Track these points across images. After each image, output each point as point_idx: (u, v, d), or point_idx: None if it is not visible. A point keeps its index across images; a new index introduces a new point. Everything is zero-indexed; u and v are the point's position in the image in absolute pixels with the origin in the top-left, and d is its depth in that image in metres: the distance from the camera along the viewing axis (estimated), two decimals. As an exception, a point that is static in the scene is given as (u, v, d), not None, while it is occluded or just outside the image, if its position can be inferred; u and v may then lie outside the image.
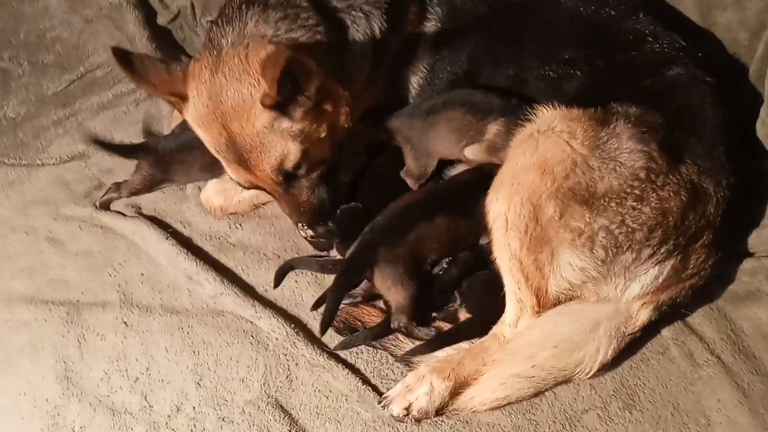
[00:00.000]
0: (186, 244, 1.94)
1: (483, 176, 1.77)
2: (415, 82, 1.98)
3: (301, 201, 1.77)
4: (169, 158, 2.02)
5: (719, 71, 1.81)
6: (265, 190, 1.79)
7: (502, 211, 1.61)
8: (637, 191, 1.55)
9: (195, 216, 2.02)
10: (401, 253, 1.72)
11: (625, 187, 1.55)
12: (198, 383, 1.68)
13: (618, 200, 1.55)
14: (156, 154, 2.02)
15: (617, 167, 1.56)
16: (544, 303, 1.62)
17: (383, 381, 1.67)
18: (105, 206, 2.06)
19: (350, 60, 1.85)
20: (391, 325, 1.68)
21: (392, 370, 1.68)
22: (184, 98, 1.73)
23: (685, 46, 1.83)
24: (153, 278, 1.90)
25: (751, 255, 1.86)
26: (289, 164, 1.70)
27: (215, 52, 1.69)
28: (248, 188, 1.83)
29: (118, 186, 2.05)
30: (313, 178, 1.77)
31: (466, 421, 1.58)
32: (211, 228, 1.99)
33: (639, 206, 1.55)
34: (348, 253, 1.76)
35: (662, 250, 1.58)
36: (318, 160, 1.76)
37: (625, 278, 1.60)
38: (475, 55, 1.90)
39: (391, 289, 1.71)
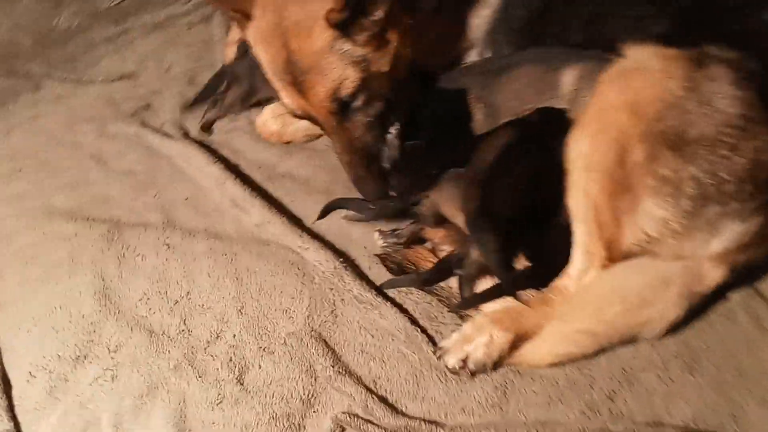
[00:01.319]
0: (233, 170, 1.86)
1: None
2: (483, 21, 1.85)
3: (354, 137, 1.67)
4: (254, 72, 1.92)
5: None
6: (316, 121, 1.69)
7: (585, 151, 1.48)
8: (731, 139, 1.41)
9: (244, 144, 1.94)
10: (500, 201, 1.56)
11: (720, 134, 1.41)
12: (239, 311, 1.61)
13: (710, 148, 1.41)
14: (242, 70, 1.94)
15: (712, 112, 1.42)
16: (614, 256, 1.50)
17: (432, 323, 1.57)
18: (207, 127, 1.99)
19: None
20: (455, 270, 1.57)
21: (442, 313, 1.58)
22: (248, 16, 1.64)
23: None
24: (197, 202, 1.83)
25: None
26: (345, 91, 1.60)
27: None
28: (300, 117, 1.72)
29: (214, 103, 1.97)
30: (368, 114, 1.66)
31: (519, 372, 1.48)
32: (260, 157, 1.91)
33: (732, 156, 1.42)
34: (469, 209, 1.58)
35: (751, 206, 1.45)
36: (376, 94, 1.65)
37: (707, 233, 1.47)
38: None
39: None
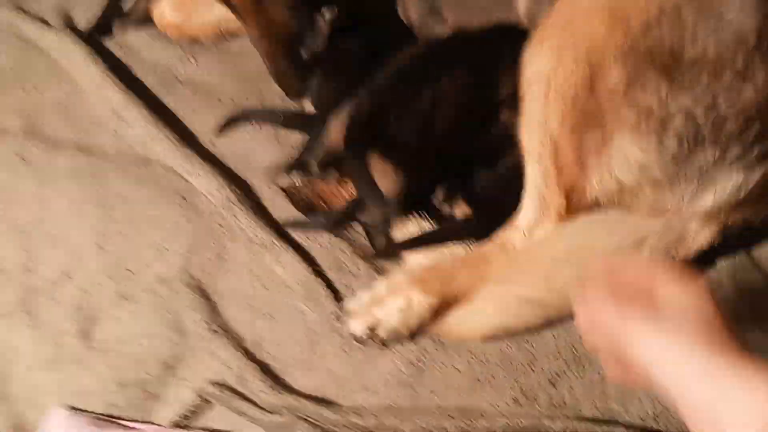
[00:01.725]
0: (121, 72, 1.49)
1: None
2: None
3: (274, 19, 1.32)
4: None
5: None
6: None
7: (545, 70, 1.12)
8: (741, 63, 1.07)
9: (140, 41, 1.55)
10: (408, 125, 1.25)
11: (726, 54, 1.07)
12: (100, 246, 1.27)
13: (712, 73, 1.06)
14: None
15: (719, 26, 1.07)
16: (575, 207, 1.16)
17: (342, 276, 1.24)
18: (102, 28, 1.59)
19: None
20: (363, 218, 1.24)
21: (357, 266, 1.25)
22: None
23: None
24: (70, 108, 1.46)
25: None
26: None
27: None
28: None
29: None
30: None
31: (441, 344, 1.16)
32: (157, 57, 1.53)
33: (740, 85, 1.07)
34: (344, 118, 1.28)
35: (756, 152, 1.11)
36: None
37: (696, 184, 1.13)
38: None
39: (386, 170, 1.24)
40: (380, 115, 1.24)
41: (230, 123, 1.40)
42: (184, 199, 1.32)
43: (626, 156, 1.10)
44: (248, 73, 1.49)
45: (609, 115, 1.09)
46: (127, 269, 1.24)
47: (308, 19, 1.37)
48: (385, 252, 1.23)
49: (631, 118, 1.08)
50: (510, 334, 1.16)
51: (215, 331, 1.17)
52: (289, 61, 1.36)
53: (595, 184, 1.14)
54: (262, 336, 1.18)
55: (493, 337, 1.16)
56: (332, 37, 1.38)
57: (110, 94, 1.44)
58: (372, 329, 1.14)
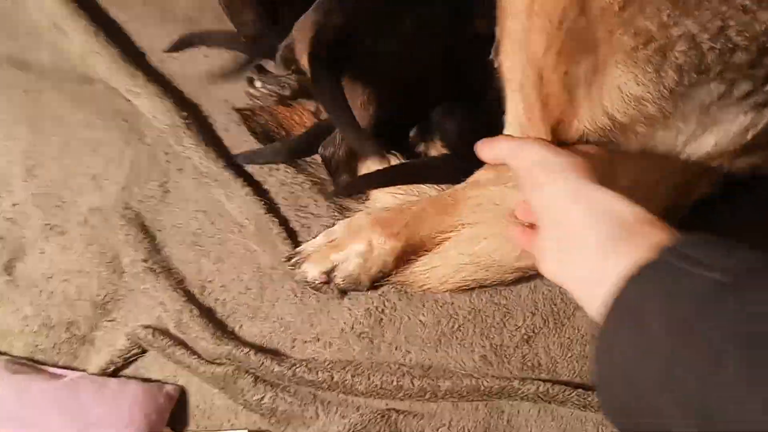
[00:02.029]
0: (62, -21, 1.33)
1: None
2: None
3: None
4: None
5: None
6: None
7: None
8: None
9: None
10: (385, 48, 1.09)
11: None
12: (29, 171, 1.13)
13: None
14: None
15: None
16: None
17: (299, 214, 1.11)
18: None
19: None
20: (325, 149, 1.10)
21: (317, 204, 1.12)
22: None
23: None
24: (5, 17, 1.30)
25: None
26: None
27: None
28: None
29: None
30: None
31: (405, 294, 1.04)
32: (105, -35, 1.37)
33: (756, 9, 0.93)
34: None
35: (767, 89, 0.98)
36: None
37: (696, 124, 1.00)
38: None
39: (354, 96, 1.09)
40: (353, 32, 1.09)
41: (183, 44, 1.24)
42: (126, 122, 1.18)
43: (620, 87, 0.95)
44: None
45: (602, 39, 0.93)
46: (59, 198, 1.11)
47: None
48: (347, 188, 1.10)
49: (627, 43, 0.93)
50: (483, 286, 1.04)
51: (153, 270, 1.05)
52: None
53: (584, 119, 0.99)
54: (207, 277, 1.06)
55: (464, 289, 1.04)
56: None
57: (50, 4, 1.28)
58: (327, 274, 1.02)
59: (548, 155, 0.84)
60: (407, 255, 1.03)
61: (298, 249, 1.05)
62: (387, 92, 1.09)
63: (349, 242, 1.02)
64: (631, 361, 0.56)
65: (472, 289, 1.04)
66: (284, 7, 1.19)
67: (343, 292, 1.04)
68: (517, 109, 1.01)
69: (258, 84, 1.19)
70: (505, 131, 1.03)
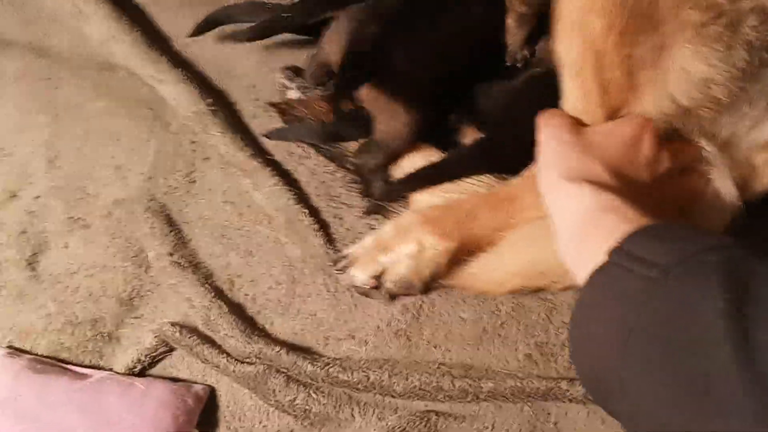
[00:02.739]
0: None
1: None
2: None
3: None
4: None
5: None
6: None
7: None
8: None
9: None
10: (420, 58, 1.02)
11: None
12: (51, 162, 1.09)
13: None
14: None
15: None
16: None
17: (331, 204, 1.05)
18: None
19: None
20: (358, 160, 1.04)
21: (347, 192, 1.07)
22: None
23: None
24: (25, 6, 1.26)
25: None
26: None
27: None
28: None
29: None
30: None
31: (443, 290, 0.98)
32: (126, -54, 1.32)
33: None
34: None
35: None
36: None
37: (764, 107, 0.92)
38: None
39: (385, 106, 1.02)
40: (389, 42, 1.02)
41: (208, 24, 1.19)
42: (151, 110, 1.14)
43: (687, 69, 0.87)
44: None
45: (667, 15, 0.85)
46: (82, 190, 1.07)
47: None
48: (386, 194, 1.03)
49: (696, 19, 0.85)
50: (542, 289, 0.98)
51: (180, 264, 1.00)
52: None
53: (647, 105, 0.90)
54: (235, 272, 1.01)
55: (527, 291, 0.97)
56: None
57: (69, -12, 1.24)
58: (377, 278, 0.96)
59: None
60: (461, 256, 0.97)
61: (344, 252, 0.99)
62: (428, 99, 1.03)
63: (399, 244, 0.96)
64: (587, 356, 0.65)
65: (537, 291, 0.98)
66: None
67: (394, 297, 0.98)
68: (573, 94, 0.93)
69: (285, 83, 1.13)
70: None
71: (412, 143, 1.04)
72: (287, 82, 1.13)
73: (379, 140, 1.01)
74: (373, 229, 1.02)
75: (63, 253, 1.02)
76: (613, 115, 0.91)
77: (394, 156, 1.03)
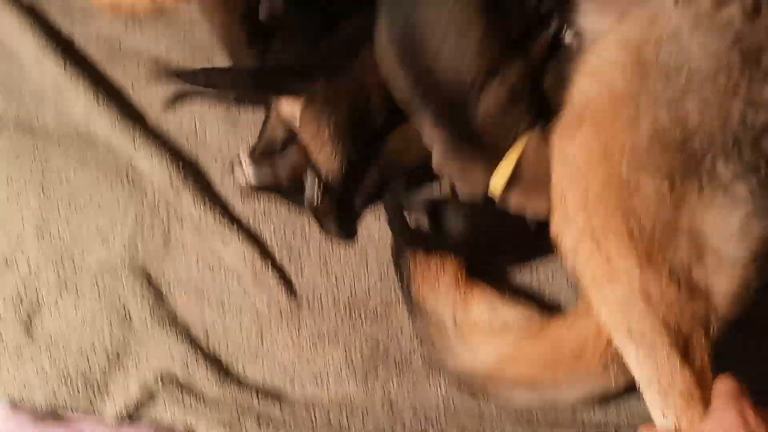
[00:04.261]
0: (62, 43, 1.41)
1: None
2: None
3: None
4: None
5: None
6: None
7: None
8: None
9: (81, 8, 1.47)
10: (346, 88, 1.19)
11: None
12: (41, 232, 1.22)
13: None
14: None
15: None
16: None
17: (292, 257, 1.19)
18: None
19: None
20: (306, 196, 1.17)
21: (308, 246, 1.20)
22: None
23: None
24: (10, 83, 1.37)
25: None
26: None
27: None
28: None
29: None
30: None
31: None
32: (101, 28, 1.43)
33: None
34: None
35: None
36: None
37: None
38: None
39: (323, 146, 1.16)
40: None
41: (180, 95, 1.32)
42: (129, 179, 1.26)
43: (726, 229, 0.92)
44: (197, 42, 1.39)
45: (675, 209, 0.92)
46: (70, 256, 1.20)
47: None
48: (338, 233, 1.18)
49: (694, 185, 0.92)
50: None
51: (161, 320, 1.13)
52: (245, 29, 1.27)
53: (719, 298, 0.92)
54: (210, 324, 1.15)
55: None
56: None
57: (51, 68, 1.36)
58: None
59: None
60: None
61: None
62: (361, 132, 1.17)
63: None
64: None
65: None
66: (279, 38, 1.26)
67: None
68: (654, 376, 0.91)
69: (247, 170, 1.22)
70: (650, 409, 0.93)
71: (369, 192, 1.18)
72: (241, 168, 1.23)
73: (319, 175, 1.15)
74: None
75: (55, 315, 1.15)
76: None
77: (336, 188, 1.16)
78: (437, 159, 1.10)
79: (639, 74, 0.96)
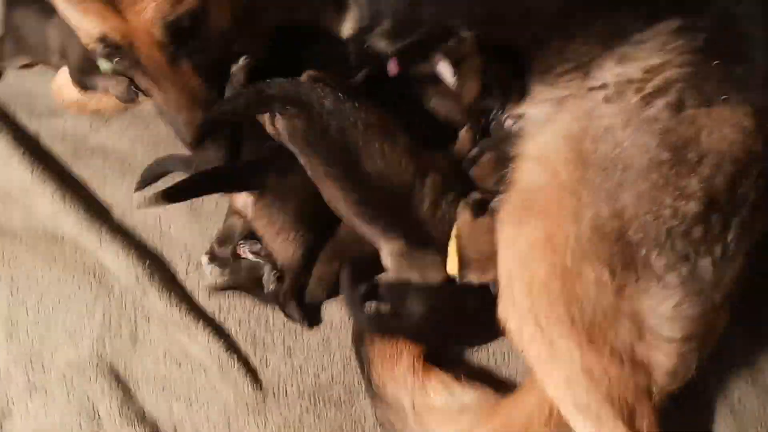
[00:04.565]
0: (27, 143, 1.45)
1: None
2: None
3: (189, 85, 1.24)
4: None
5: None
6: (135, 63, 1.25)
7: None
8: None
9: (47, 106, 1.52)
10: (296, 184, 1.23)
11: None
12: (9, 334, 1.25)
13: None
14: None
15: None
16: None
17: (256, 349, 1.23)
18: None
19: None
20: (265, 289, 1.23)
21: (272, 336, 1.24)
22: None
23: None
24: (-22, 184, 1.43)
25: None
26: (181, 15, 1.14)
27: None
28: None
29: None
30: (206, 56, 1.25)
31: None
32: (66, 125, 1.49)
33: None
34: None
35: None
36: (216, 28, 1.24)
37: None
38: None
39: (277, 235, 1.22)
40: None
41: (147, 177, 1.36)
42: (96, 277, 1.30)
43: (662, 313, 1.00)
44: (160, 137, 1.46)
45: (617, 295, 0.99)
46: (39, 357, 1.23)
47: (223, 75, 1.28)
48: (299, 318, 1.23)
49: (630, 279, 0.99)
50: None
51: (130, 419, 1.16)
52: (207, 122, 1.30)
53: (660, 375, 1.00)
54: (179, 420, 1.18)
55: None
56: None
57: (18, 169, 1.41)
58: None
59: None
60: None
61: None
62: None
63: None
64: None
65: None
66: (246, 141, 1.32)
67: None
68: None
69: (209, 270, 1.28)
70: None
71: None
72: (207, 266, 1.28)
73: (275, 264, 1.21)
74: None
75: (25, 417, 1.18)
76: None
77: (295, 277, 1.21)
78: (395, 268, 1.16)
79: (580, 167, 1.04)
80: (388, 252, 1.15)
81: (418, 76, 1.28)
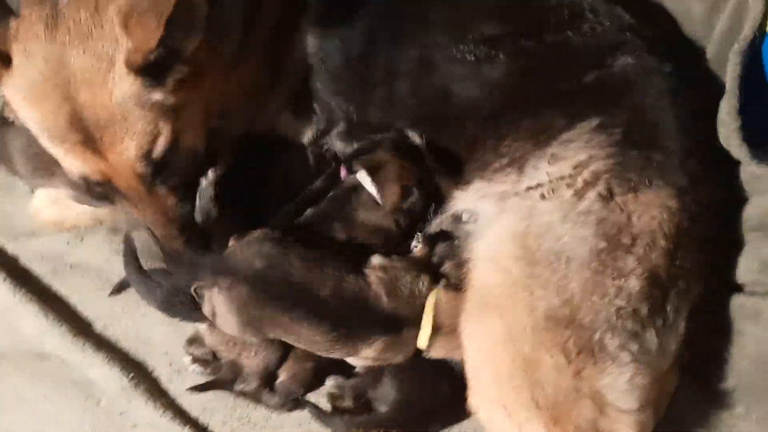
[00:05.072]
0: (8, 265, 1.52)
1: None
2: (298, 68, 1.57)
3: (167, 205, 1.34)
4: None
5: (673, 54, 1.43)
6: (116, 190, 1.36)
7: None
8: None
9: (24, 227, 1.59)
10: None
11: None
12: (0, 456, 1.30)
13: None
14: None
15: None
16: None
17: (241, 449, 1.30)
18: None
19: (216, 20, 1.41)
20: (235, 387, 1.31)
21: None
22: (4, 61, 1.21)
23: (632, 24, 1.44)
24: (-40, 308, 1.49)
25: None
26: (159, 149, 1.24)
27: (49, 4, 1.20)
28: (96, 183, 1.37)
29: None
30: (182, 177, 1.35)
31: None
32: (44, 244, 1.56)
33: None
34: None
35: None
36: (190, 153, 1.34)
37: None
38: (372, 32, 1.50)
39: (239, 355, 1.32)
40: None
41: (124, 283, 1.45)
42: (82, 390, 1.37)
43: (619, 388, 1.10)
44: (138, 248, 1.54)
45: (571, 381, 1.09)
46: (30, 478, 1.27)
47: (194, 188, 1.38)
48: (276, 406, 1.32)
49: (588, 362, 1.09)
50: None
51: None
52: (185, 238, 1.36)
53: None
54: None
55: None
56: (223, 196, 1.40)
57: (2, 292, 1.47)
58: None
59: None
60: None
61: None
62: None
63: None
64: None
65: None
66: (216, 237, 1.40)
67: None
68: None
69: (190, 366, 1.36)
70: None
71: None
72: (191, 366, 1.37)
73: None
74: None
75: None
76: None
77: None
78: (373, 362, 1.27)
79: (529, 263, 1.15)
80: (368, 353, 1.25)
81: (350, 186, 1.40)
